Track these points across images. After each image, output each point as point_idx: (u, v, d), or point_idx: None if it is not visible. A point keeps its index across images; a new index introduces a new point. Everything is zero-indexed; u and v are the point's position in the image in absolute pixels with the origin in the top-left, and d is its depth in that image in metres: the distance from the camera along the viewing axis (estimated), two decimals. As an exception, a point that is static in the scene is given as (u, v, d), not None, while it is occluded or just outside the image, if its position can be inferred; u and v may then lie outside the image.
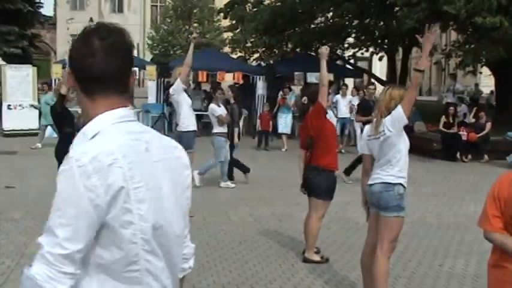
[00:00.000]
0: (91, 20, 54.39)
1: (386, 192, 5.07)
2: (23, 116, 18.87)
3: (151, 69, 20.54)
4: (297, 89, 21.48)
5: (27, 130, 18.61)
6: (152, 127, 18.45)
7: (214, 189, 10.84)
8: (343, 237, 7.93)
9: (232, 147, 11.06)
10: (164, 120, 19.59)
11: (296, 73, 21.30)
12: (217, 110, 10.32)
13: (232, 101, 11.27)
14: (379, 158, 5.19)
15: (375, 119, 5.22)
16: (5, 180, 10.90)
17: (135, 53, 40.10)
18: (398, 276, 6.43)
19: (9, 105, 18.81)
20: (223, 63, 21.51)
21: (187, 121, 8.60)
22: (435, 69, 45.12)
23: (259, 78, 20.86)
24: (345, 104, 17.42)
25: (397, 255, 7.22)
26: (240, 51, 26.60)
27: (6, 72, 18.89)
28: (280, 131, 17.94)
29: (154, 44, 49.84)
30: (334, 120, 10.10)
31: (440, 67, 37.24)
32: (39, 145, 15.84)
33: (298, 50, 25.10)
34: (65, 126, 7.60)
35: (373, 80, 23.86)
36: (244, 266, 6.60)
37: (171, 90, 8.72)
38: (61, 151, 6.39)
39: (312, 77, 21.17)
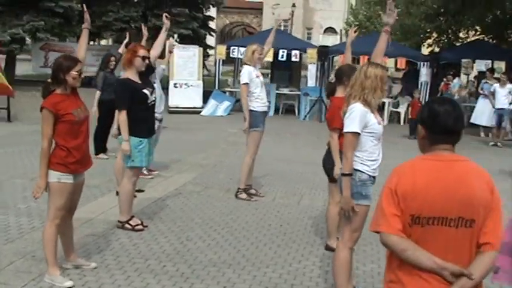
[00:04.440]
0: (293, 5, 55.92)
1: None
2: (188, 94, 20.06)
3: (312, 52, 20.50)
4: (463, 77, 20.18)
5: (191, 108, 19.78)
6: (309, 110, 18.29)
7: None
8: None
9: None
10: (321, 104, 19.46)
11: (464, 60, 20.00)
12: None
13: None
14: None
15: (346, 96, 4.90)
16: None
17: (337, 38, 40.03)
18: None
19: (175, 83, 20.07)
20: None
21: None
22: None
23: (423, 65, 19.92)
24: (503, 94, 15.95)
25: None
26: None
27: (174, 52, 20.14)
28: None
29: (352, 30, 49.57)
30: None
31: None
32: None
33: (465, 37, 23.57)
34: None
35: None
36: (258, 248, 6.48)
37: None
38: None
39: (481, 65, 19.83)
